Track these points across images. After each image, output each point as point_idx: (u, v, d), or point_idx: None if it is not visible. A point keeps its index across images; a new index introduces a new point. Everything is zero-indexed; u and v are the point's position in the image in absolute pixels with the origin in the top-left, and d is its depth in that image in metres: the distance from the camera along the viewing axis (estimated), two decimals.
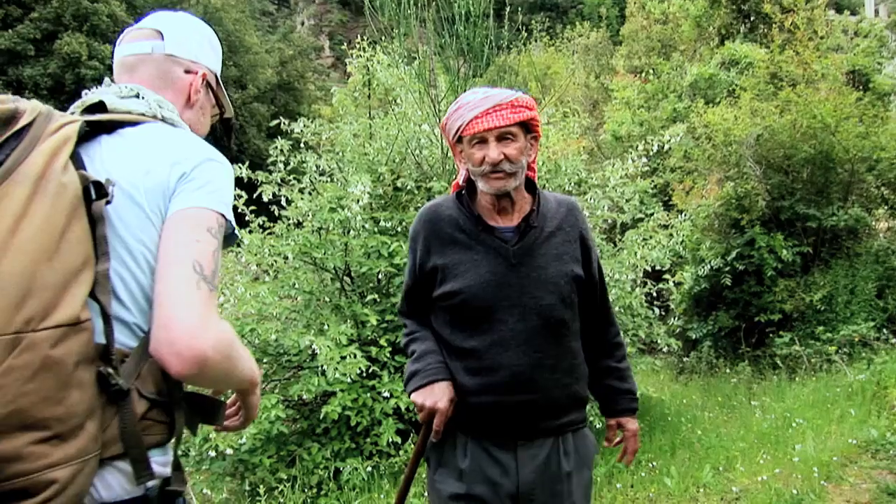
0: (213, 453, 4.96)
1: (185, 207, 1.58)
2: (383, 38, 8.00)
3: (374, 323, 6.30)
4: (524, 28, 9.85)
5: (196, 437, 4.94)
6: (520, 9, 8.72)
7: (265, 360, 5.49)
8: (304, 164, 7.13)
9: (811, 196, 11.53)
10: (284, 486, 5.23)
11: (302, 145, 7.39)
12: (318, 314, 6.52)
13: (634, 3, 22.62)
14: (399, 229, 6.86)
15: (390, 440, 6.13)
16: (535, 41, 26.97)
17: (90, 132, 1.62)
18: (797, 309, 10.78)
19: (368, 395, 6.23)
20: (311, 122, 7.36)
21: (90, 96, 1.78)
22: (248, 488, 5.48)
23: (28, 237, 1.36)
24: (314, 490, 5.99)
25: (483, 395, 2.44)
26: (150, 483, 1.53)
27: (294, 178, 6.96)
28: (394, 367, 6.41)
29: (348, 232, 6.72)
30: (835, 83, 12.72)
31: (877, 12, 36.22)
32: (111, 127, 1.66)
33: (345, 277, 7.08)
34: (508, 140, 2.43)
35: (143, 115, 1.73)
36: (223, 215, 1.63)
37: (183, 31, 1.92)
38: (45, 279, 1.35)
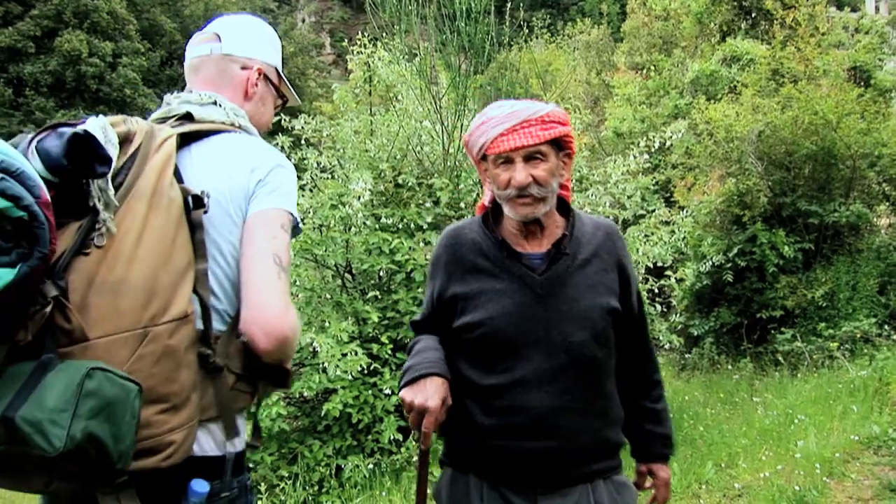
0: None
1: (263, 209, 1.87)
2: (384, 34, 7.99)
3: (376, 320, 6.30)
4: (525, 25, 9.83)
5: None
6: (521, 5, 8.69)
7: None
8: (305, 161, 7.11)
9: (813, 192, 11.52)
10: (286, 483, 5.23)
11: (303, 142, 7.38)
12: (319, 311, 6.52)
13: None
14: (400, 226, 6.85)
15: (392, 437, 6.12)
16: (537, 38, 26.95)
17: (182, 142, 1.89)
18: (799, 305, 10.78)
19: (370, 392, 6.23)
20: (312, 118, 7.34)
21: (176, 105, 2.04)
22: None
23: (149, 247, 1.68)
24: (315, 487, 5.99)
25: (501, 439, 2.20)
26: (230, 449, 1.83)
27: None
28: (395, 365, 6.40)
29: (349, 229, 6.71)
30: (836, 79, 12.70)
31: (877, 9, 36.20)
32: (199, 136, 1.93)
33: (346, 274, 7.07)
34: (538, 160, 2.17)
35: (223, 123, 1.98)
36: (291, 213, 1.93)
37: (239, 32, 2.17)
38: (163, 281, 1.67)
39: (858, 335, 9.87)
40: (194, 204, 1.78)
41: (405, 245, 6.56)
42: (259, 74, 2.16)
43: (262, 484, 5.44)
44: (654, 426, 2.45)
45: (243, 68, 2.14)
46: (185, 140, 1.90)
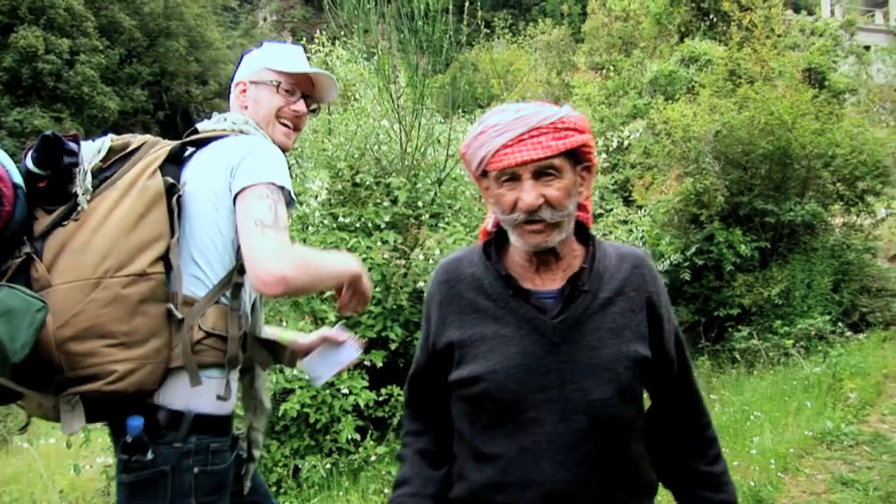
0: None
1: (239, 189, 2.20)
2: (343, 33, 7.95)
3: (333, 320, 6.26)
4: (486, 25, 9.85)
5: None
6: (483, 5, 8.69)
7: None
8: None
9: (769, 192, 11.65)
10: None
11: None
12: (276, 310, 6.47)
13: (596, 0, 22.74)
14: (358, 225, 6.82)
15: (349, 437, 6.10)
16: (499, 38, 27.04)
17: (192, 150, 2.35)
18: (755, 303, 10.90)
19: (327, 392, 6.20)
20: None
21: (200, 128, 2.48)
22: None
23: (114, 222, 2.12)
24: (273, 488, 5.94)
25: None
26: (193, 405, 2.16)
27: None
28: (352, 365, 6.37)
29: (307, 228, 6.68)
30: (791, 81, 12.88)
31: (832, 13, 36.75)
32: (204, 143, 2.35)
33: None
34: (550, 177, 1.80)
35: (224, 130, 2.40)
36: (272, 182, 2.21)
37: (244, 62, 2.63)
38: (122, 246, 2.09)
39: (813, 332, 10.00)
40: (171, 192, 2.20)
41: (363, 244, 6.54)
42: (244, 86, 2.56)
43: None
44: (715, 493, 2.02)
45: (237, 88, 2.59)
46: (198, 147, 2.35)
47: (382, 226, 6.84)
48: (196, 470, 2.13)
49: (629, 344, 1.85)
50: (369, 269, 6.57)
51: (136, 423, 2.06)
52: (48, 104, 40.10)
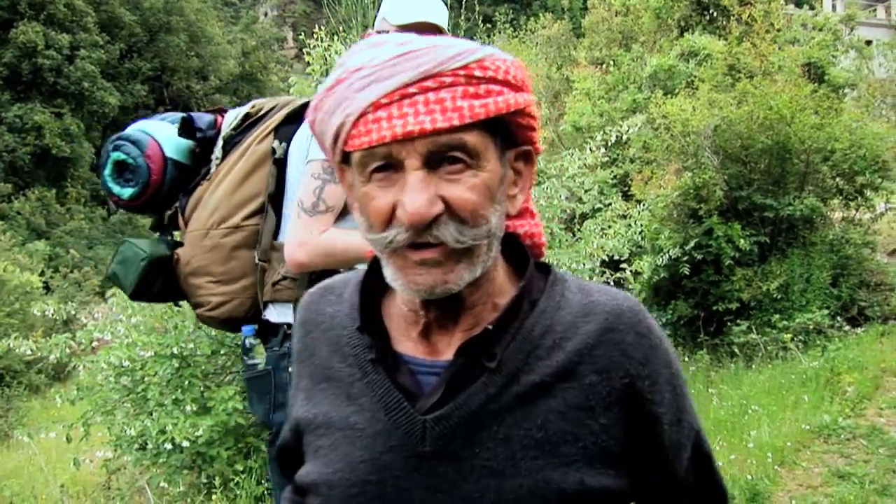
0: (169, 446, 4.91)
1: (307, 161, 2.42)
2: (342, 28, 7.95)
3: None
4: (487, 20, 9.87)
5: (153, 430, 4.90)
6: (483, 0, 8.72)
7: (223, 352, 5.44)
8: None
9: (768, 186, 11.65)
10: (240, 477, 5.21)
11: None
12: None
13: None
14: None
15: None
16: (500, 33, 26.99)
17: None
18: (754, 297, 10.91)
19: None
20: None
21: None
22: (205, 481, 5.45)
23: (226, 181, 2.55)
24: (271, 482, 5.97)
25: None
26: (283, 320, 2.51)
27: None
28: None
29: None
30: (791, 75, 12.87)
31: (834, 7, 36.70)
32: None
33: None
34: (458, 165, 1.04)
35: None
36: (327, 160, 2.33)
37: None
38: (226, 203, 2.53)
39: (811, 327, 10.03)
40: (273, 154, 2.56)
41: None
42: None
43: (218, 479, 5.41)
44: None
45: None
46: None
47: None
48: (290, 369, 2.40)
49: (568, 469, 1.09)
50: None
51: (248, 330, 2.60)
52: (48, 100, 40.14)
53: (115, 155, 2.63)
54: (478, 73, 1.05)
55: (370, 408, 1.14)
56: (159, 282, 2.66)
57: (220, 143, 2.65)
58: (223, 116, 2.74)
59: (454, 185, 1.04)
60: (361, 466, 1.12)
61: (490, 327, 1.12)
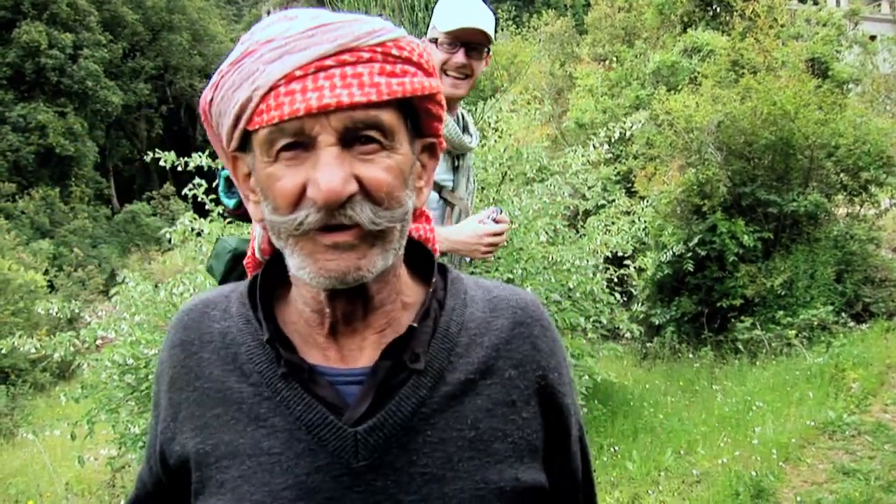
0: None
1: None
2: None
3: None
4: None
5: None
6: None
7: None
8: None
9: (772, 182, 11.64)
10: None
11: None
12: None
13: None
14: None
15: None
16: (503, 30, 26.98)
17: None
18: (758, 294, 10.90)
19: None
20: None
21: None
22: None
23: None
24: None
25: None
26: None
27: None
28: None
29: None
30: (794, 71, 12.86)
31: (838, 3, 36.65)
32: None
33: None
34: (373, 145, 0.99)
35: None
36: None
37: None
38: None
39: (816, 323, 10.01)
40: None
41: None
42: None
43: None
44: None
45: None
46: None
47: None
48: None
49: (503, 466, 1.08)
50: None
51: None
52: (52, 99, 40.22)
53: (223, 172, 2.90)
54: (394, 51, 1.01)
55: (285, 428, 1.04)
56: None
57: None
58: None
59: (369, 165, 0.99)
60: (285, 494, 1.02)
61: (415, 325, 1.07)
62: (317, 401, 1.04)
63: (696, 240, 10.77)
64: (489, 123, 7.60)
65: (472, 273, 5.01)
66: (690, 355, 10.76)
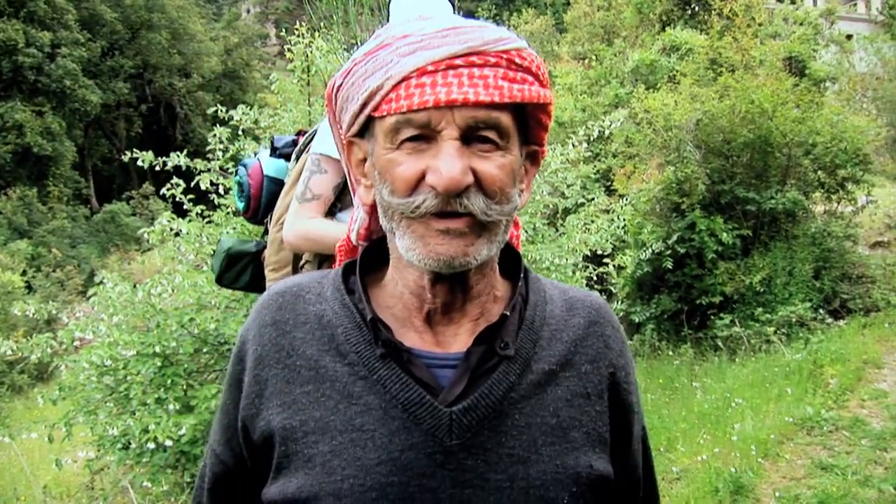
0: (152, 445, 4.89)
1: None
2: (322, 24, 7.92)
3: None
4: (470, 15, 9.81)
5: (136, 429, 4.87)
6: None
7: (205, 350, 5.41)
8: (244, 152, 7.03)
9: (750, 180, 11.73)
10: None
11: (240, 133, 7.29)
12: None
13: None
14: None
15: None
16: None
17: None
18: (737, 291, 10.97)
19: None
20: (250, 109, 7.28)
21: None
22: (188, 480, 5.43)
23: (285, 188, 2.93)
24: None
25: None
26: None
27: (233, 166, 6.87)
28: None
29: None
30: (772, 69, 12.94)
31: (815, 2, 36.89)
32: None
33: None
34: (489, 145, 1.07)
35: None
36: (315, 153, 2.65)
37: None
38: (282, 204, 2.88)
39: (794, 319, 10.09)
40: None
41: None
42: None
43: None
44: None
45: None
46: None
47: None
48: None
49: (579, 454, 1.13)
50: None
51: None
52: (29, 98, 39.86)
53: (236, 178, 3.18)
54: (517, 60, 1.08)
55: (379, 406, 1.09)
56: (248, 273, 3.14)
57: (293, 157, 3.01)
58: (303, 136, 3.10)
59: (485, 161, 1.06)
60: (379, 469, 1.06)
61: (507, 314, 1.14)
62: (414, 381, 1.10)
63: (675, 237, 10.82)
64: None
65: None
66: (670, 353, 10.81)
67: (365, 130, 1.14)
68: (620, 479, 1.22)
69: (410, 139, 1.06)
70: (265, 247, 3.10)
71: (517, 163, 1.12)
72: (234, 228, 6.07)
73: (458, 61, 1.05)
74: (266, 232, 3.18)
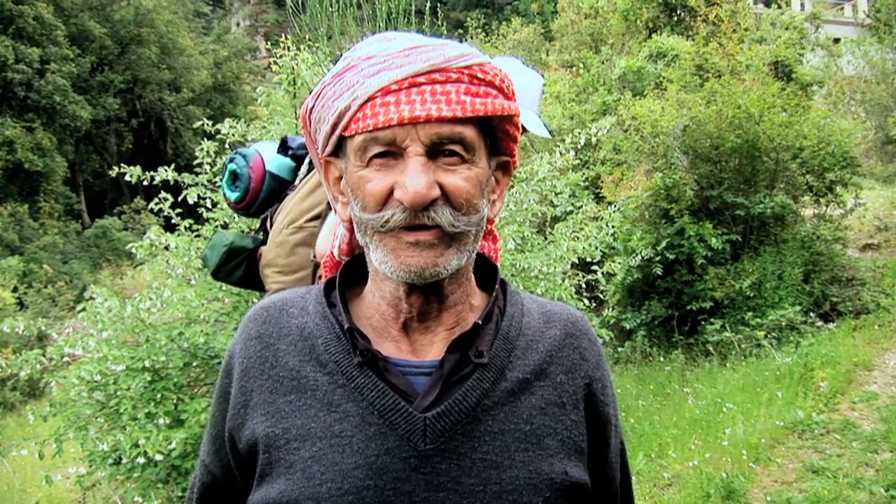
0: (142, 460, 4.88)
1: None
2: (307, 36, 7.93)
3: None
4: (459, 25, 9.86)
5: (126, 444, 4.86)
6: (456, 6, 8.71)
7: (195, 364, 5.41)
8: None
9: (738, 185, 11.76)
10: None
11: (227, 147, 7.30)
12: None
13: None
14: None
15: None
16: (472, 38, 27.08)
17: None
18: (727, 296, 10.98)
19: None
20: (237, 123, 7.29)
21: None
22: (179, 494, 5.42)
23: (300, 193, 2.86)
24: None
25: None
26: None
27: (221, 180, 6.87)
28: None
29: None
30: (758, 74, 12.98)
31: (802, 6, 37.06)
32: None
33: None
34: (454, 158, 1.12)
35: None
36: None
37: None
38: (296, 209, 2.82)
39: (784, 323, 10.11)
40: None
41: None
42: None
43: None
44: None
45: None
46: None
47: None
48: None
49: (553, 460, 1.18)
50: None
51: None
52: (19, 114, 39.77)
53: (230, 166, 3.16)
54: (479, 74, 1.13)
55: (357, 413, 1.14)
56: (242, 268, 3.11)
57: (306, 161, 3.02)
58: None
59: (450, 174, 1.11)
60: (356, 473, 1.11)
61: (480, 322, 1.20)
62: (389, 388, 1.15)
63: (664, 244, 10.84)
64: None
65: None
66: (661, 359, 10.83)
67: (338, 150, 1.20)
68: (597, 491, 1.27)
69: (378, 156, 1.11)
70: (261, 243, 3.11)
71: (484, 175, 1.16)
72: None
73: (420, 79, 1.10)
74: (261, 228, 3.19)
